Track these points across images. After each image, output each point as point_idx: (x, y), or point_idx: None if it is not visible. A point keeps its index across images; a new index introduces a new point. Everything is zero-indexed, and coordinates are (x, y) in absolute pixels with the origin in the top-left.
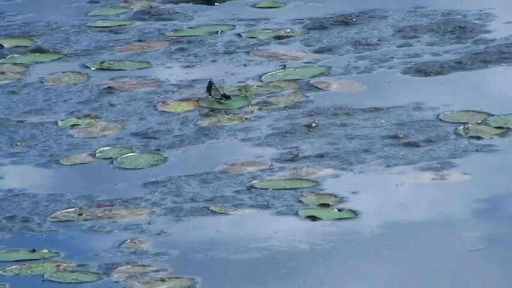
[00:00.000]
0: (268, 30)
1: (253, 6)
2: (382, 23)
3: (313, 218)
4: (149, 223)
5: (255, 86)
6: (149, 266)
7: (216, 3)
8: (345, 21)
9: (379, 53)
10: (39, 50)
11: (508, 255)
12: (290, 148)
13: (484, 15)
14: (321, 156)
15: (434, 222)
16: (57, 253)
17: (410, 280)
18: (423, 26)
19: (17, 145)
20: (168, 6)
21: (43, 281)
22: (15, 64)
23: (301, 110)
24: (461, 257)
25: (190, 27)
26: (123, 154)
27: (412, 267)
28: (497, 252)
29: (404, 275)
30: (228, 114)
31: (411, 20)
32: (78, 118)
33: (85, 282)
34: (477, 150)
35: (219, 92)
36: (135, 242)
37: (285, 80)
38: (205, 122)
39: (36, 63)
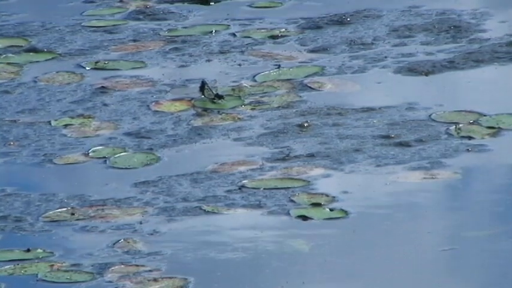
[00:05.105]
0: (262, 30)
1: (249, 6)
2: (376, 23)
3: (304, 217)
4: (141, 223)
5: (248, 86)
6: (142, 265)
7: (211, 3)
8: (339, 21)
9: (374, 53)
10: (33, 50)
11: (496, 254)
12: (282, 148)
13: (479, 14)
14: (312, 155)
15: (426, 221)
16: (52, 253)
17: (389, 280)
18: (418, 26)
19: (10, 144)
20: (163, 6)
21: (37, 280)
22: (9, 64)
23: (294, 110)
24: (437, 257)
25: (184, 27)
26: (116, 153)
27: (392, 267)
28: (483, 251)
29: (385, 275)
30: (221, 114)
31: (406, 20)
32: (72, 118)
33: (79, 281)
34: (468, 150)
35: (212, 91)
36: (128, 242)
37: (278, 80)
38: (198, 122)
39: (30, 62)
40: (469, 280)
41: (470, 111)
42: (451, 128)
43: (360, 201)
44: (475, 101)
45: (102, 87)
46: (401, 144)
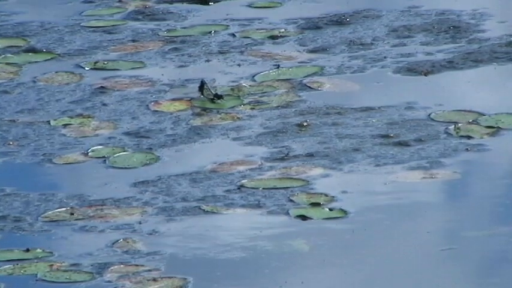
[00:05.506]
0: (262, 30)
1: (249, 6)
2: (376, 23)
3: (303, 217)
4: (140, 222)
5: (247, 86)
6: (142, 265)
7: (210, 3)
8: (339, 21)
9: (373, 53)
10: (32, 50)
11: (495, 254)
12: (281, 147)
13: (478, 14)
14: (311, 155)
15: (425, 221)
16: (51, 252)
17: (388, 280)
18: (417, 26)
19: (9, 144)
20: (162, 6)
21: (36, 280)
22: (8, 64)
23: (293, 110)
24: (435, 258)
25: (184, 27)
26: (115, 153)
27: (392, 267)
28: (482, 251)
29: (384, 275)
30: (220, 114)
31: (405, 20)
32: (71, 117)
33: (78, 281)
34: (467, 150)
35: (211, 91)
36: (127, 242)
37: (278, 80)
38: (197, 122)
39: (29, 63)
40: (468, 280)
41: (469, 111)
42: (450, 127)
43: (359, 201)
44: (474, 100)
45: (102, 87)
46: (400, 144)
